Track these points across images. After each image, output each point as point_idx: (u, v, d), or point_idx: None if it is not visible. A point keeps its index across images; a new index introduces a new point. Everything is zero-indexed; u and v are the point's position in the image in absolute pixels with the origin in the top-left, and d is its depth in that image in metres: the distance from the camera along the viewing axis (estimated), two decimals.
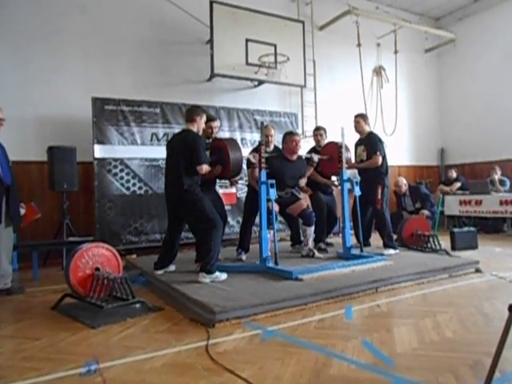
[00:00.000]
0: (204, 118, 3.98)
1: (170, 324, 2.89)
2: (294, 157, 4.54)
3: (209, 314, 2.84)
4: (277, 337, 2.60)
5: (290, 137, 4.55)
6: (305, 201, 4.71)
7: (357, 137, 5.30)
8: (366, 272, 3.88)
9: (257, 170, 4.16)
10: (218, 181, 4.75)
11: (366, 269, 3.98)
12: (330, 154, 4.86)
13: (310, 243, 4.73)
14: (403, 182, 6.82)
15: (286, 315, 3.00)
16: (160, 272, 3.97)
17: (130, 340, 2.62)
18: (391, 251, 4.81)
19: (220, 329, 2.74)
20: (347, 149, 4.89)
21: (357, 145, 5.27)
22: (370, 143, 5.04)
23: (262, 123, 4.17)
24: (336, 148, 4.80)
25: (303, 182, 4.81)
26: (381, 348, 2.37)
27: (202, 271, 3.61)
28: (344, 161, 4.67)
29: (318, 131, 5.49)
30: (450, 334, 2.55)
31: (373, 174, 4.97)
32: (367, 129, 5.17)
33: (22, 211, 4.02)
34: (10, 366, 2.28)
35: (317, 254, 4.66)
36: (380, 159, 4.94)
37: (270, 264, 3.95)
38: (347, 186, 4.68)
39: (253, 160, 4.21)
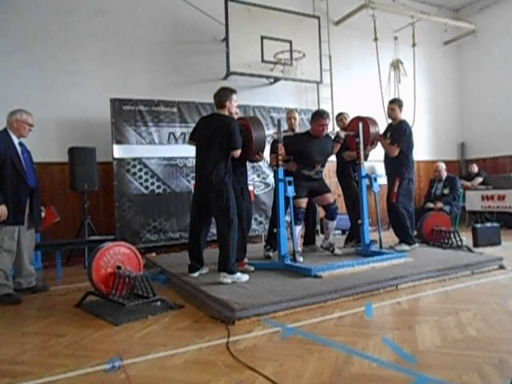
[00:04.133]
0: (234, 99, 3.79)
1: (190, 321, 2.92)
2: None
3: (229, 311, 2.86)
4: (297, 334, 2.60)
5: (318, 120, 4.40)
6: (332, 195, 4.63)
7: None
8: (386, 269, 3.84)
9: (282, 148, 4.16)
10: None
11: (386, 266, 3.94)
12: (356, 130, 4.66)
13: (331, 237, 4.69)
14: (443, 167, 6.57)
15: (306, 312, 3.00)
16: (195, 275, 3.78)
17: (152, 337, 2.66)
18: (405, 246, 4.71)
19: (240, 326, 2.76)
20: (375, 123, 4.75)
21: (386, 130, 5.06)
22: (396, 132, 4.84)
23: (278, 120, 4.17)
24: (364, 123, 4.64)
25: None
26: (402, 346, 2.34)
27: (223, 271, 3.53)
28: (368, 146, 4.62)
29: (342, 115, 5.31)
30: (474, 332, 2.51)
31: (394, 165, 4.83)
32: (400, 117, 4.96)
33: (42, 214, 4.08)
34: (37, 362, 2.34)
35: (337, 250, 4.61)
36: (396, 151, 4.76)
37: (289, 261, 3.95)
38: (365, 181, 4.63)
39: (276, 137, 4.13)
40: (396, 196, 4.77)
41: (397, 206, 4.78)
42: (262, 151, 4.04)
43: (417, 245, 4.81)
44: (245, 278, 3.57)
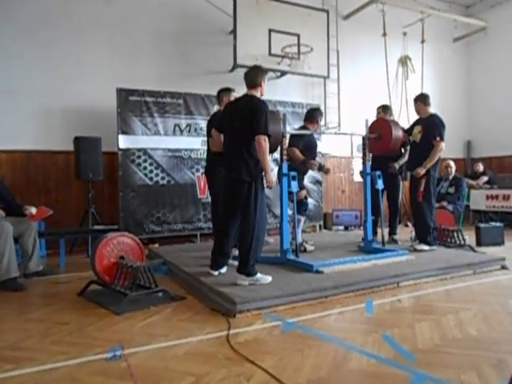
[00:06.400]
0: (266, 80, 3.47)
1: (191, 313, 2.95)
2: None
3: (230, 304, 2.88)
4: (297, 329, 2.62)
5: (319, 117, 4.69)
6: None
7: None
8: (388, 266, 3.84)
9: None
10: None
11: (388, 263, 3.94)
12: (378, 132, 4.59)
13: (299, 236, 4.55)
14: (453, 165, 6.59)
15: (306, 307, 3.02)
16: (215, 273, 3.49)
17: (153, 327, 2.69)
18: (424, 246, 4.53)
19: (241, 319, 2.78)
20: (397, 124, 4.69)
21: (414, 124, 4.81)
22: (430, 125, 4.52)
23: (284, 115, 4.15)
24: (386, 125, 4.58)
25: None
26: (402, 343, 2.35)
27: (242, 273, 3.26)
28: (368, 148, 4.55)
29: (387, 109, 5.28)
30: (474, 332, 2.51)
31: (421, 163, 4.53)
32: (428, 111, 4.66)
33: (33, 211, 4.08)
34: (39, 348, 2.38)
35: (309, 247, 4.59)
36: (443, 145, 4.45)
37: (291, 256, 3.96)
38: (369, 178, 4.61)
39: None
40: (423, 195, 4.53)
41: (424, 205, 4.55)
42: (277, 147, 3.89)
43: (435, 247, 4.60)
44: (266, 279, 3.28)
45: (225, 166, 3.46)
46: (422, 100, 4.72)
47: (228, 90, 4.25)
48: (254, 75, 3.39)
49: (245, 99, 3.40)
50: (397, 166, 5.06)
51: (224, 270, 3.57)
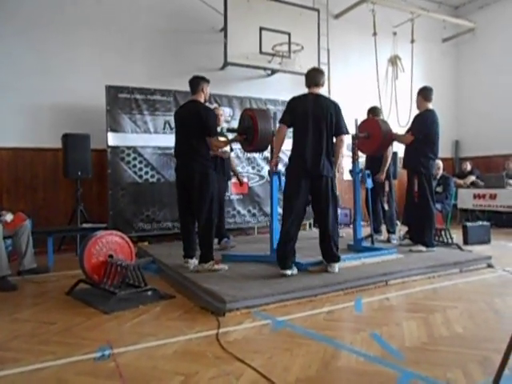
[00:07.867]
0: None
1: (181, 312, 2.94)
2: None
3: (219, 302, 2.88)
4: (286, 327, 2.63)
5: None
6: None
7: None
8: (376, 265, 3.88)
9: None
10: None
11: (377, 261, 3.98)
12: (368, 131, 4.62)
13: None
14: (441, 165, 6.72)
15: (296, 306, 3.03)
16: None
17: (142, 327, 2.68)
18: (421, 247, 4.47)
19: (230, 318, 2.78)
20: (386, 123, 4.74)
21: None
22: (414, 121, 4.60)
23: (274, 113, 4.16)
24: (375, 124, 4.60)
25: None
26: (389, 341, 2.38)
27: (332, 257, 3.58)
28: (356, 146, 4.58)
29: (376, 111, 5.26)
30: (460, 330, 2.55)
31: (412, 161, 4.51)
32: (426, 106, 4.56)
33: (9, 218, 3.95)
34: (26, 349, 2.35)
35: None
36: (408, 140, 4.49)
37: None
38: (359, 177, 4.64)
39: None
40: (419, 195, 4.46)
41: (421, 205, 4.46)
42: (268, 145, 3.93)
43: (434, 249, 4.51)
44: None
45: (300, 158, 3.49)
46: (422, 94, 4.61)
47: (207, 80, 3.94)
48: (319, 75, 3.68)
49: (321, 97, 3.60)
50: (383, 175, 5.06)
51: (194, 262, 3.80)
